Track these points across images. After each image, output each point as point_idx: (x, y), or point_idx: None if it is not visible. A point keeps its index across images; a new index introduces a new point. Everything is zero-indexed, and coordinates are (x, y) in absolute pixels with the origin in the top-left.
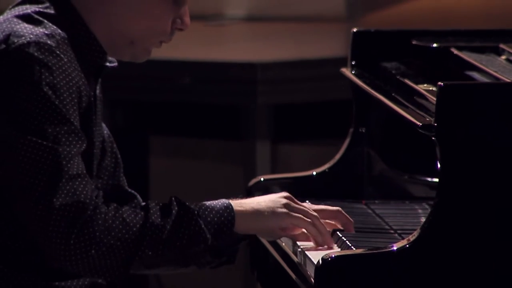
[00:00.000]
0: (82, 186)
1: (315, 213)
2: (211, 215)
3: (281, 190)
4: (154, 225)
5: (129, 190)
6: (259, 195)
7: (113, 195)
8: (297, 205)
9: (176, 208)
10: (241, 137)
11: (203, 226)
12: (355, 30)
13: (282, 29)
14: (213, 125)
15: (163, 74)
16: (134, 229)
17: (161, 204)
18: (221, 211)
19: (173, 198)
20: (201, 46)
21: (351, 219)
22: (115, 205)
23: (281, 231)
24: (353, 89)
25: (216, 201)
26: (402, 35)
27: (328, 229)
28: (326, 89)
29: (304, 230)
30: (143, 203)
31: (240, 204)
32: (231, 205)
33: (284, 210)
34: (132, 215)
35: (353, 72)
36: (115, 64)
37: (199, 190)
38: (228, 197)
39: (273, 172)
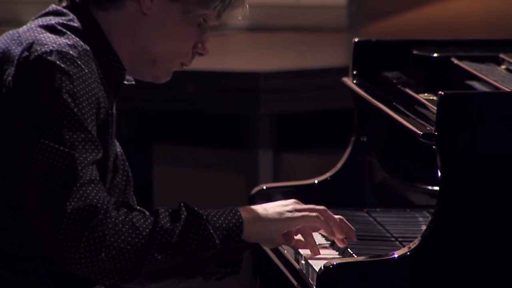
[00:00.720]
0: (95, 191)
1: (322, 207)
2: (220, 221)
3: (284, 198)
4: (163, 229)
5: (138, 207)
6: (261, 203)
7: None
8: (303, 206)
9: (185, 213)
10: (244, 145)
11: (211, 231)
12: (356, 40)
13: (284, 39)
14: (216, 134)
15: (166, 84)
16: (144, 233)
17: (170, 210)
18: (229, 217)
19: (182, 204)
20: (204, 56)
21: (352, 227)
22: (125, 209)
23: (285, 238)
24: (355, 98)
25: (224, 208)
26: (403, 45)
27: (331, 238)
28: (328, 98)
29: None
30: (153, 210)
31: (248, 210)
32: (239, 211)
33: (290, 213)
34: (142, 220)
35: (354, 82)
36: (133, 82)
37: (202, 198)
38: (231, 205)
39: (275, 181)
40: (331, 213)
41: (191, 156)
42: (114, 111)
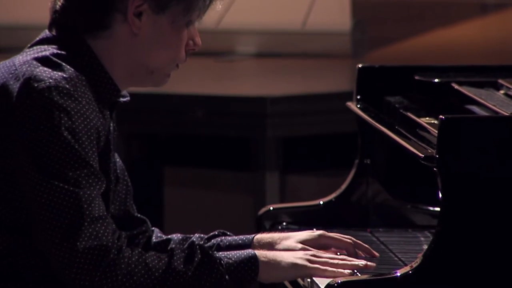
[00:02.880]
0: (103, 228)
1: (337, 261)
2: (235, 264)
3: (290, 219)
4: (176, 271)
5: (139, 215)
6: (268, 224)
7: (123, 220)
8: (317, 258)
9: (199, 255)
10: (252, 168)
11: (225, 274)
12: (360, 66)
13: (290, 65)
14: (225, 156)
15: (177, 108)
16: (157, 274)
17: (186, 250)
18: (245, 261)
19: (198, 246)
20: (213, 81)
21: (367, 245)
22: (139, 249)
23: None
24: (358, 122)
25: (242, 251)
26: (405, 70)
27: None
28: (332, 122)
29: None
30: (169, 248)
31: (265, 255)
32: (255, 255)
33: (305, 263)
34: (156, 261)
35: (358, 106)
36: (127, 98)
37: (211, 219)
38: (238, 224)
39: (282, 202)
40: (347, 262)
41: (200, 178)
42: (112, 127)
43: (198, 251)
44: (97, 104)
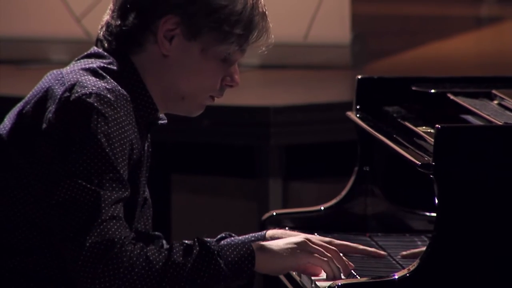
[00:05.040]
0: (115, 227)
1: (333, 248)
2: (233, 255)
3: (292, 223)
4: (175, 263)
5: (155, 233)
6: (271, 228)
7: (143, 237)
8: (314, 245)
9: (197, 248)
10: (255, 175)
11: (222, 265)
12: (359, 77)
13: (293, 76)
14: (230, 164)
15: (184, 117)
16: (157, 266)
17: (185, 244)
18: (242, 252)
19: (196, 239)
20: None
21: (370, 249)
22: (141, 244)
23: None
24: (358, 131)
25: (238, 243)
26: (403, 81)
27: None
28: (333, 131)
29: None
30: (169, 245)
31: (261, 246)
32: (251, 246)
33: (302, 250)
34: (156, 254)
35: (357, 116)
36: (165, 121)
37: (216, 224)
38: (243, 229)
39: (284, 207)
40: (342, 259)
41: (206, 184)
42: (146, 146)
43: (197, 244)
44: (136, 122)
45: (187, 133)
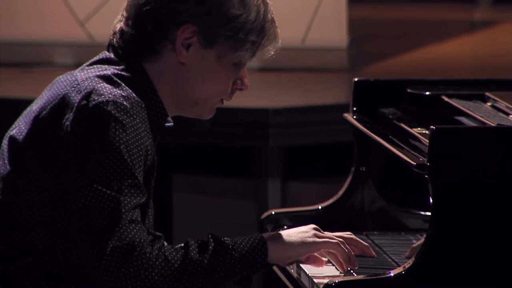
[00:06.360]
0: (134, 230)
1: (340, 239)
2: (246, 248)
3: (291, 222)
4: (193, 260)
5: (156, 233)
6: (270, 227)
7: None
8: (323, 233)
9: (212, 244)
10: (255, 175)
11: (237, 258)
12: (356, 79)
13: (291, 78)
14: (230, 164)
15: (185, 119)
16: (176, 265)
17: (200, 241)
18: (255, 244)
19: (210, 235)
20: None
21: (366, 243)
22: (158, 245)
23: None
24: (355, 132)
25: (251, 235)
26: (398, 84)
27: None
28: (330, 132)
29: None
30: (184, 243)
31: (273, 236)
32: (264, 238)
33: (313, 238)
34: (174, 253)
35: (354, 117)
36: (171, 124)
37: (217, 223)
38: (242, 228)
39: (283, 207)
40: (347, 247)
41: (207, 185)
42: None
43: (211, 240)
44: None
45: (188, 134)
